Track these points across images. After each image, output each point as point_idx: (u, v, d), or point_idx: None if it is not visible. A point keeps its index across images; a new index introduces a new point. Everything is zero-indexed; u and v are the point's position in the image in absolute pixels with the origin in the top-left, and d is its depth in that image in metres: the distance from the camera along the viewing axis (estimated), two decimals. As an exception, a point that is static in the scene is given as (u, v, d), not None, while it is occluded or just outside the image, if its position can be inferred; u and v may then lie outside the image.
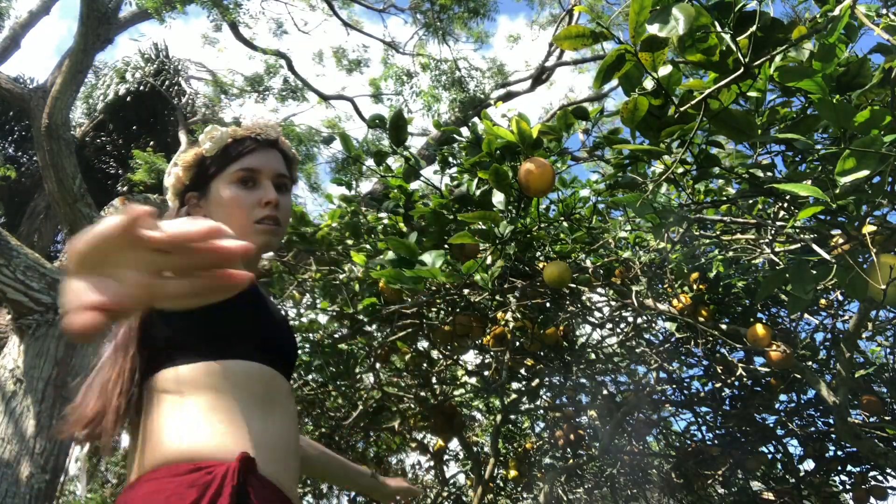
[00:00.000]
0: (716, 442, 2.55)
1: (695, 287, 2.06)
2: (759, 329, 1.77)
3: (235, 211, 1.04)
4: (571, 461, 2.80)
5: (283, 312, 1.13)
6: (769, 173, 1.47)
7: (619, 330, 2.41)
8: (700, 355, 2.37)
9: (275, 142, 1.14)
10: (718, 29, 1.13)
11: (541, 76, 8.47)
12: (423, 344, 2.39)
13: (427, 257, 1.61)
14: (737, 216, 1.93)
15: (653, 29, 1.06)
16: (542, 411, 2.91)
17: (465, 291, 2.00)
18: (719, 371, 2.24)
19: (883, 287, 1.15)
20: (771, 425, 2.42)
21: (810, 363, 2.06)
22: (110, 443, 0.88)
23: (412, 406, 2.66)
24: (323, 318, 2.31)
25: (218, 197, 1.06)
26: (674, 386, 2.55)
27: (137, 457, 0.87)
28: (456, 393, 2.70)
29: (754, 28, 1.07)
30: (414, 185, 2.01)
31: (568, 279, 1.75)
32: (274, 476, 0.86)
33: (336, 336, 2.19)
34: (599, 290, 2.21)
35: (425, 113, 8.11)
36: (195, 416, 0.86)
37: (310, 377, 2.48)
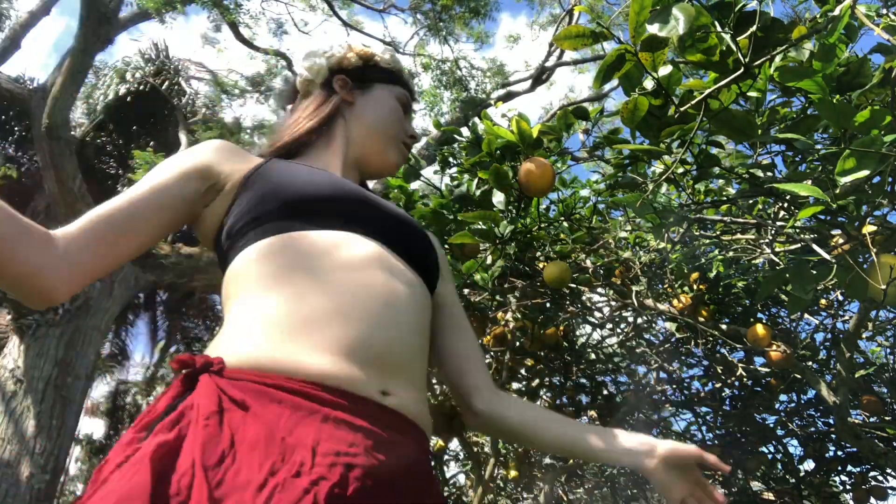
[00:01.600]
0: (716, 442, 2.55)
1: (695, 287, 2.06)
2: (760, 329, 1.77)
3: (394, 121, 1.10)
4: (571, 461, 2.80)
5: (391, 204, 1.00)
6: (769, 173, 1.47)
7: (619, 330, 2.41)
8: (700, 355, 2.37)
9: None
10: (718, 29, 1.13)
11: (541, 76, 8.47)
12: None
13: (427, 257, 1.60)
14: (737, 216, 1.93)
15: (653, 29, 1.06)
16: (542, 411, 2.91)
17: (465, 291, 2.00)
18: (719, 371, 2.24)
19: (883, 287, 1.15)
20: (771, 425, 2.42)
21: (810, 363, 2.06)
22: None
23: (412, 406, 2.66)
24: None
25: (383, 99, 1.11)
26: (674, 386, 2.55)
27: None
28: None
29: (754, 28, 1.07)
30: (414, 185, 2.01)
31: (568, 279, 1.75)
32: (272, 356, 0.70)
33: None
34: (599, 290, 2.21)
35: (427, 112, 8.12)
36: (228, 318, 0.78)
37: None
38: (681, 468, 0.90)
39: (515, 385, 2.66)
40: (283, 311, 0.74)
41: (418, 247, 0.96)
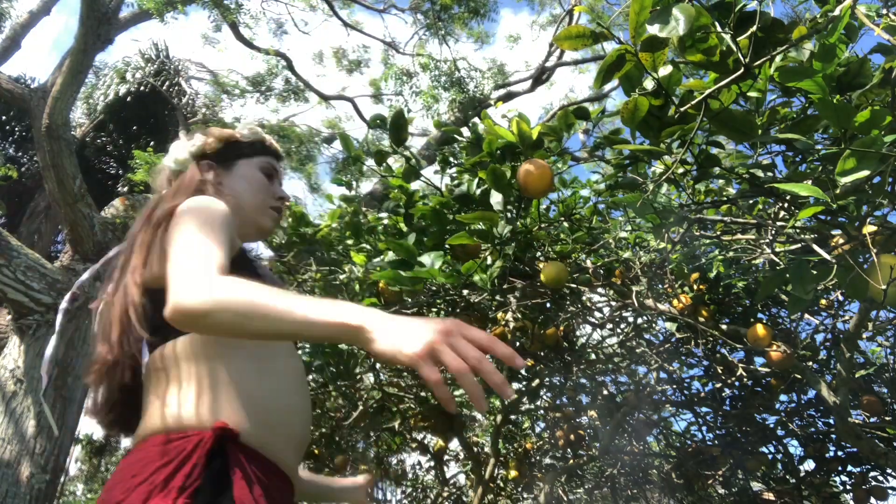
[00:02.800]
0: (716, 442, 2.55)
1: (695, 287, 2.05)
2: (760, 329, 1.77)
3: (261, 191, 1.20)
4: (571, 461, 2.80)
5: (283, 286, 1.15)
6: (769, 173, 1.47)
7: (619, 330, 2.41)
8: (700, 355, 2.37)
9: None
10: (719, 29, 1.13)
11: (541, 76, 8.47)
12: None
13: (426, 258, 1.61)
14: (737, 216, 1.93)
15: (653, 29, 1.05)
16: (542, 411, 2.91)
17: (465, 292, 2.00)
18: (719, 371, 2.24)
19: (883, 287, 1.15)
20: (771, 425, 2.42)
21: (810, 363, 2.06)
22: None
23: (412, 406, 2.66)
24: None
25: (246, 173, 1.21)
26: (674, 386, 2.55)
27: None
28: (456, 393, 2.70)
29: (754, 28, 1.07)
30: (414, 185, 2.01)
31: (565, 279, 1.75)
32: (262, 441, 0.86)
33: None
34: (600, 290, 2.21)
35: (425, 113, 8.12)
36: (185, 387, 0.89)
37: (310, 377, 2.48)
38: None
39: (515, 385, 2.66)
40: (258, 394, 0.91)
41: None
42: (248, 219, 1.16)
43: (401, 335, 0.71)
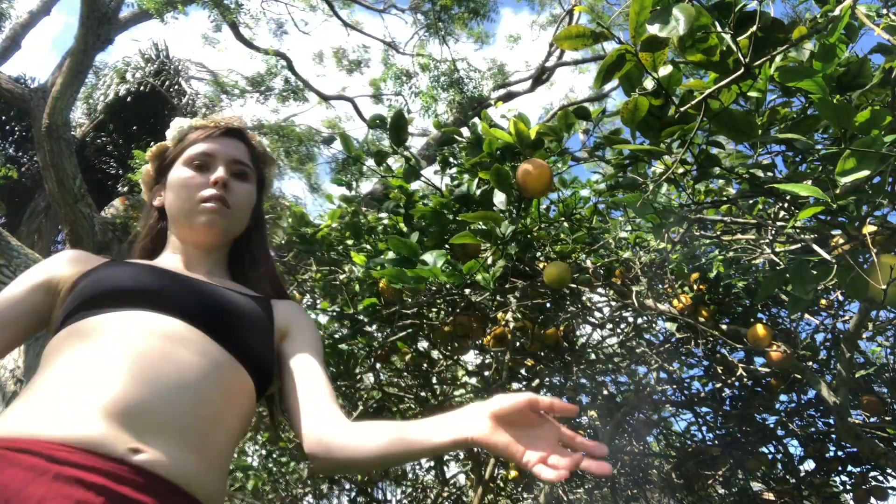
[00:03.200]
0: (716, 442, 2.55)
1: (695, 287, 2.05)
2: (760, 329, 1.77)
3: (183, 191, 1.05)
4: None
5: (200, 281, 1.00)
6: (769, 173, 1.47)
7: (619, 330, 2.41)
8: (700, 355, 2.37)
9: (238, 132, 1.14)
10: (719, 29, 1.13)
11: (541, 76, 8.47)
12: (423, 344, 2.39)
13: (428, 257, 1.61)
14: (737, 216, 1.93)
15: (653, 29, 1.06)
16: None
17: (466, 291, 2.00)
18: (720, 371, 2.24)
19: (883, 287, 1.15)
20: (771, 426, 2.42)
21: (811, 363, 2.06)
22: None
23: (412, 406, 2.66)
24: (323, 319, 2.31)
25: (173, 179, 1.07)
26: (674, 386, 2.55)
27: None
28: (456, 393, 2.70)
29: (755, 28, 1.07)
30: (414, 186, 2.01)
31: (568, 279, 1.75)
32: (24, 425, 0.72)
33: (336, 336, 2.19)
34: (600, 290, 2.21)
35: (424, 113, 8.12)
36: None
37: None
38: (522, 422, 0.78)
39: (515, 385, 2.66)
40: (38, 382, 0.80)
41: (223, 322, 0.93)
42: (185, 227, 1.06)
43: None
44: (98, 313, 0.88)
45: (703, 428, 2.63)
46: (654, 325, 2.40)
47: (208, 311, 0.93)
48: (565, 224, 1.95)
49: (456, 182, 1.93)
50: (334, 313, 2.18)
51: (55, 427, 0.71)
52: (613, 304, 2.20)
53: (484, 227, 1.66)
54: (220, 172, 1.05)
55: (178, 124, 1.13)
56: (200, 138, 1.09)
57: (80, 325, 0.87)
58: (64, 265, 1.00)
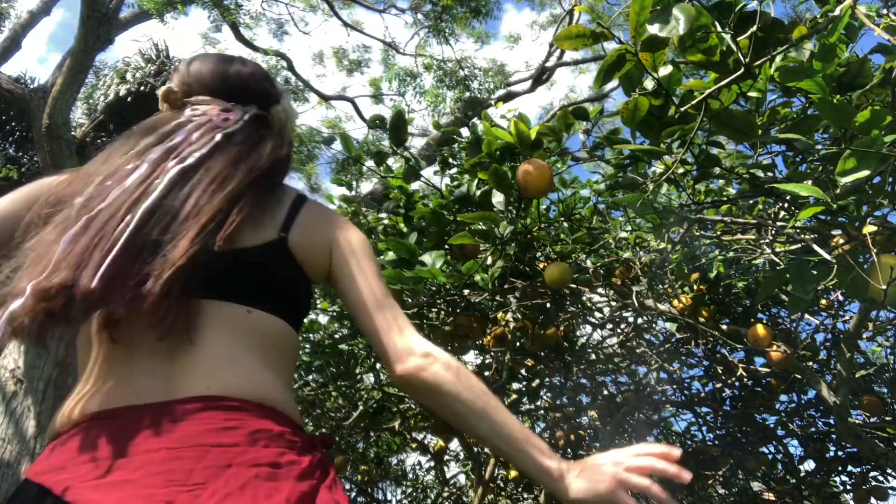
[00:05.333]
0: (716, 442, 2.55)
1: (695, 287, 2.05)
2: (760, 329, 1.77)
3: None
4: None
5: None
6: (769, 173, 1.47)
7: (619, 330, 2.41)
8: (700, 356, 2.37)
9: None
10: (719, 29, 1.13)
11: (541, 76, 8.46)
12: (423, 344, 2.38)
13: (427, 258, 1.61)
14: (737, 216, 1.93)
15: (653, 29, 1.06)
16: (542, 412, 2.91)
17: (466, 292, 2.00)
18: (720, 371, 2.24)
19: (883, 287, 1.15)
20: (771, 426, 2.42)
21: (811, 363, 2.06)
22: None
23: (412, 406, 2.66)
24: (323, 319, 2.31)
25: None
26: (674, 386, 2.55)
27: None
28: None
29: (755, 28, 1.07)
30: (414, 186, 2.01)
31: (568, 280, 1.75)
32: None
33: (336, 336, 2.19)
34: (600, 290, 2.21)
35: (431, 112, 8.10)
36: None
37: (310, 378, 2.48)
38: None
39: (515, 385, 2.66)
40: None
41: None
42: None
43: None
44: None
45: (704, 428, 2.63)
46: (654, 325, 2.40)
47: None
48: (565, 224, 1.95)
49: (456, 182, 1.93)
50: (334, 313, 2.18)
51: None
52: (613, 304, 2.20)
53: (483, 227, 1.66)
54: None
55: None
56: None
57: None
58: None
